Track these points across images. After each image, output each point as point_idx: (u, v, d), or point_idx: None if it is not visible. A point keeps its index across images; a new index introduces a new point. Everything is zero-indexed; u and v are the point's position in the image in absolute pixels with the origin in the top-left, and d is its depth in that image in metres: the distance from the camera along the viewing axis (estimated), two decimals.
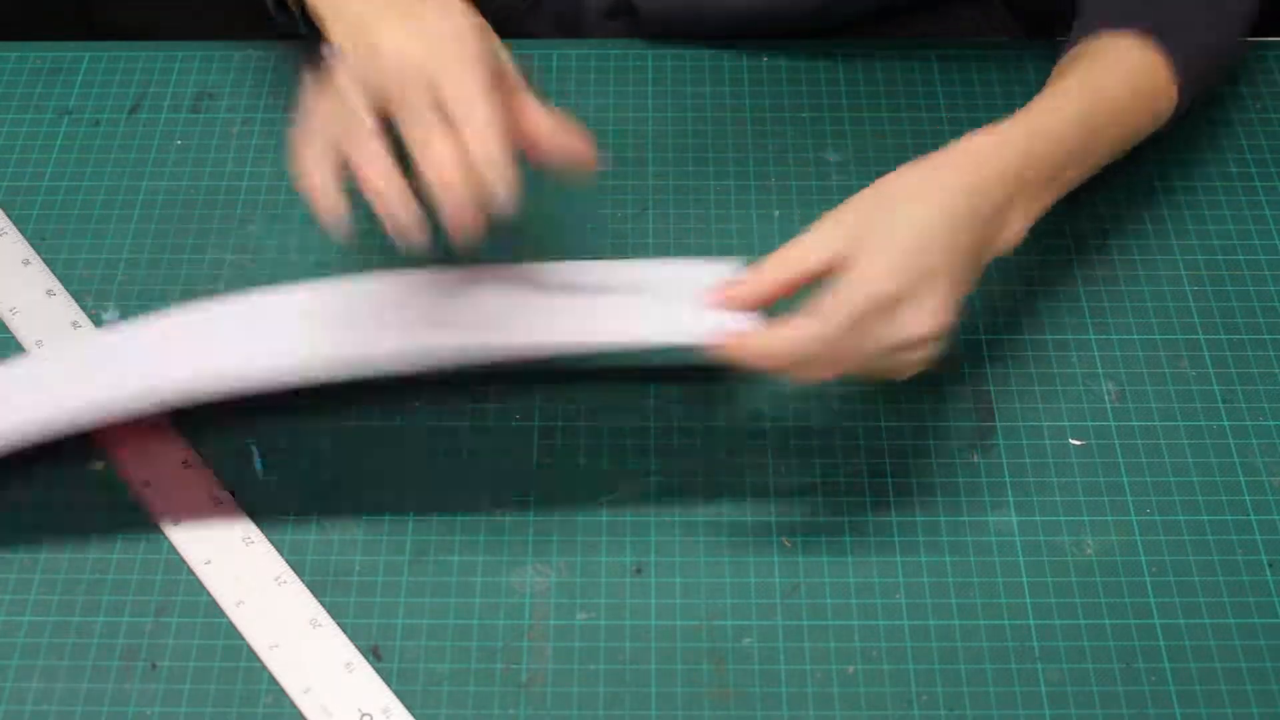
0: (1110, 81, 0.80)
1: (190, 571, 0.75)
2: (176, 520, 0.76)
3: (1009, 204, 0.74)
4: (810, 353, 0.70)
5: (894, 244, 0.71)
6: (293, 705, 0.71)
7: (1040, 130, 0.77)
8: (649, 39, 0.97)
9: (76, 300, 0.85)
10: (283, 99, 0.96)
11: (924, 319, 0.71)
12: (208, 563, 0.75)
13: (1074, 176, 0.79)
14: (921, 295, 0.70)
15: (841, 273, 0.71)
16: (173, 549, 0.76)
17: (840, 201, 0.89)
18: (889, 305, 0.70)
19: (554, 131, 0.72)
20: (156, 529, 0.76)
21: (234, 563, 0.75)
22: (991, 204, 0.73)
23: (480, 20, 0.71)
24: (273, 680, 0.72)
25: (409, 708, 0.71)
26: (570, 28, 1.00)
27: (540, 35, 0.98)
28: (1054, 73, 0.83)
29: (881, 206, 0.72)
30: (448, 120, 0.67)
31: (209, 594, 0.74)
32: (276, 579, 0.74)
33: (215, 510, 0.77)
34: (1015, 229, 0.75)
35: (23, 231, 0.89)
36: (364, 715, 0.71)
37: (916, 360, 0.72)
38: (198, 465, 0.78)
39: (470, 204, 0.66)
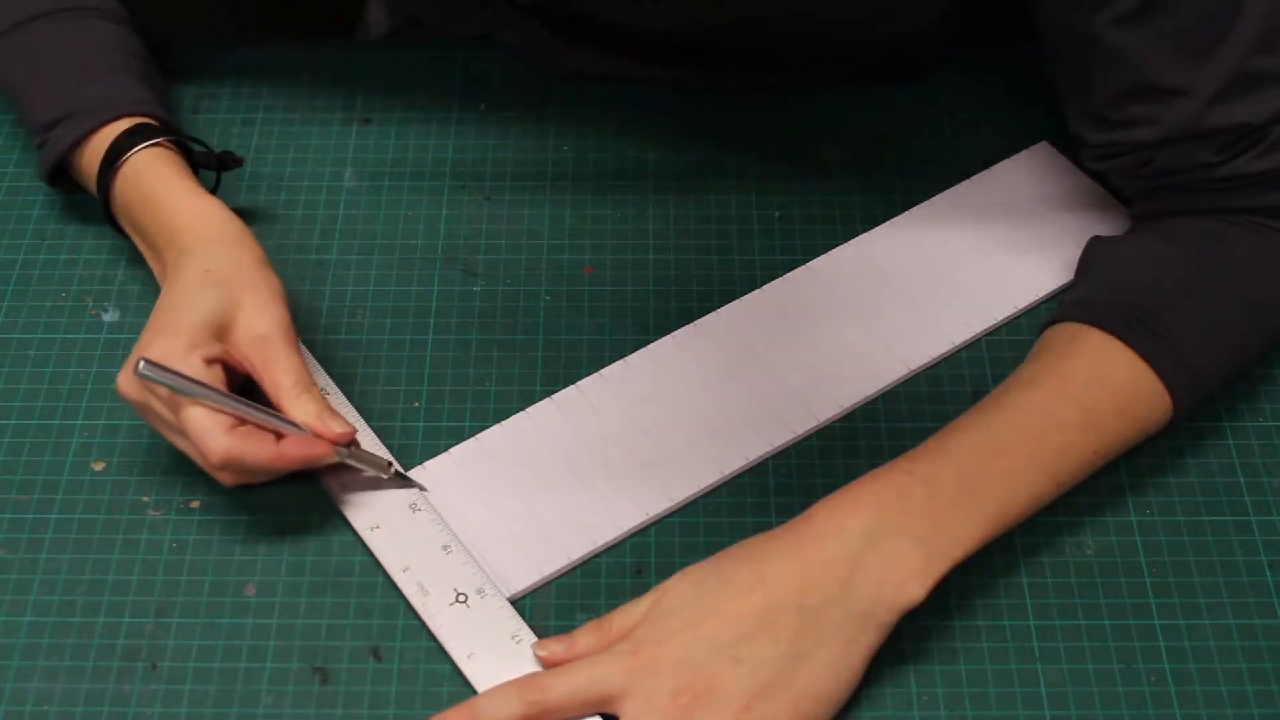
0: (1087, 393, 0.73)
1: (191, 570, 0.75)
2: None
3: (870, 554, 0.68)
4: None
5: (681, 661, 0.67)
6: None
7: (929, 465, 0.71)
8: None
9: (76, 300, 0.86)
10: (283, 99, 0.96)
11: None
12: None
13: (1006, 499, 0.71)
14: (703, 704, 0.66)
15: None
16: (173, 549, 0.76)
17: (840, 204, 0.90)
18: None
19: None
20: (158, 528, 0.76)
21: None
22: (832, 573, 0.68)
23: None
24: (362, 570, 0.75)
25: (409, 709, 0.71)
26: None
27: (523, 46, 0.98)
28: (1032, 351, 0.77)
29: (688, 608, 0.68)
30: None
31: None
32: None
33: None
34: (899, 580, 0.68)
35: (24, 232, 0.89)
36: (459, 594, 0.73)
37: None
38: None
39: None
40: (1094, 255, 0.81)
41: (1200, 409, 0.80)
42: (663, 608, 0.69)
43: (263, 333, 0.75)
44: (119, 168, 0.81)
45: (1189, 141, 0.76)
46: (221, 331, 0.75)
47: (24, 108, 0.87)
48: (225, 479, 0.74)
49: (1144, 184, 0.81)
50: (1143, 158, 0.78)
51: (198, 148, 0.85)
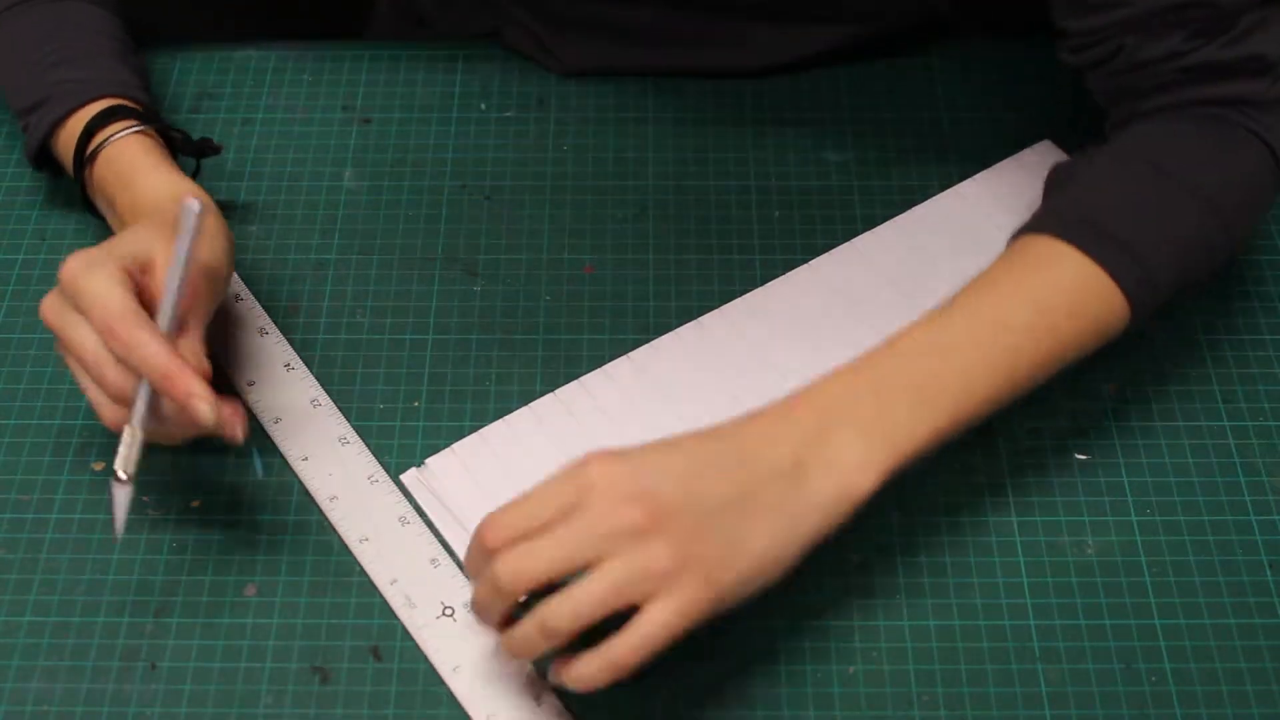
0: (1037, 295, 0.73)
1: (191, 570, 0.75)
2: None
3: (815, 439, 0.68)
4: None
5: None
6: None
7: (880, 361, 0.71)
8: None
9: None
10: (283, 99, 0.96)
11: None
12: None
13: (963, 398, 0.70)
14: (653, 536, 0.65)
15: None
16: (173, 549, 0.76)
17: (840, 204, 0.90)
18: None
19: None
20: (158, 528, 0.76)
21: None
22: (770, 450, 0.67)
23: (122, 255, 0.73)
24: (362, 571, 0.75)
25: (408, 708, 0.71)
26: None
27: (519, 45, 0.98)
28: (991, 267, 0.76)
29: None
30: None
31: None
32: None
33: None
34: (844, 469, 0.67)
35: (24, 232, 0.89)
36: (445, 607, 0.73)
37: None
38: None
39: (119, 379, 0.71)
40: (1052, 179, 0.82)
41: (1200, 408, 0.80)
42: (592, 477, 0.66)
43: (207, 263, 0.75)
44: (99, 150, 0.82)
45: (1162, 23, 0.77)
46: (142, 265, 0.74)
47: (6, 93, 0.88)
48: (111, 415, 0.73)
49: (1113, 81, 0.81)
50: (1114, 46, 0.79)
51: (174, 134, 0.86)
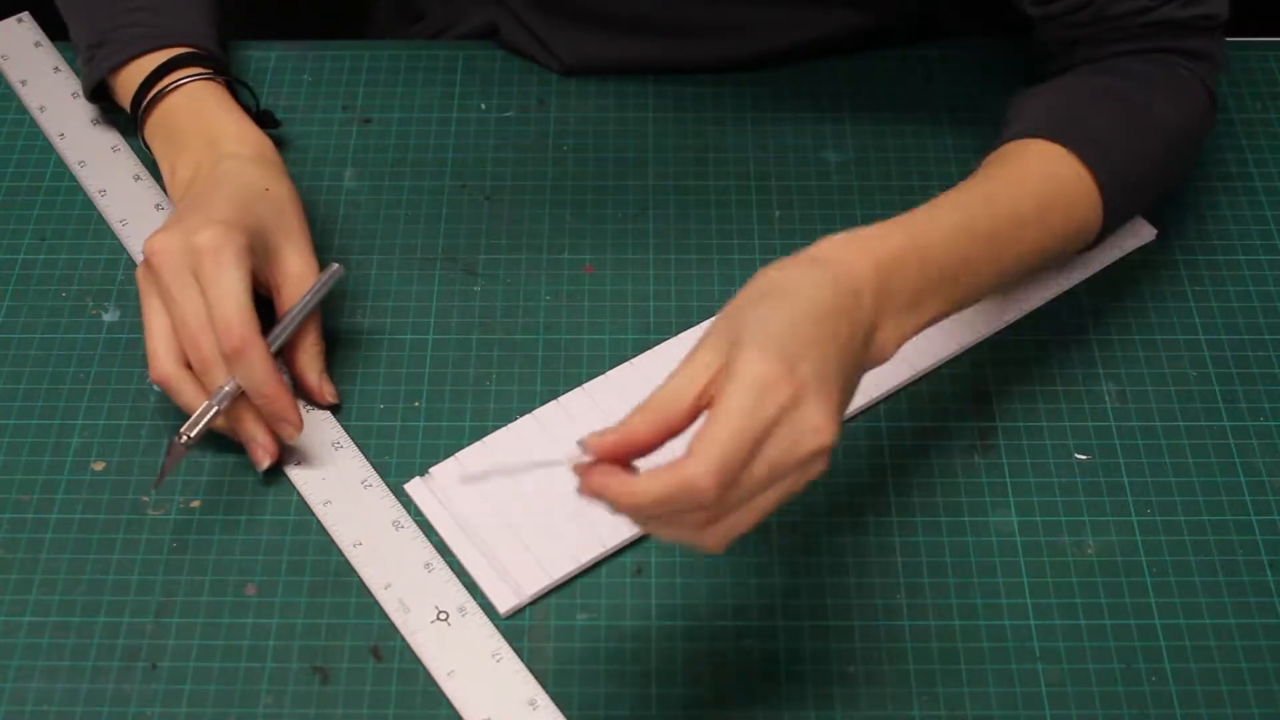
0: (1024, 187, 0.75)
1: (191, 570, 0.75)
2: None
3: (878, 307, 0.67)
4: (690, 495, 0.60)
5: (770, 341, 0.63)
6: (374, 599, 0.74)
7: (922, 238, 0.70)
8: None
9: (76, 300, 0.86)
10: (283, 99, 0.96)
11: (815, 427, 0.61)
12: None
13: (968, 285, 0.71)
14: (806, 399, 0.61)
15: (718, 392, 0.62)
16: (173, 549, 0.76)
17: (840, 204, 0.90)
18: (775, 413, 0.61)
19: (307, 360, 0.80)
20: (158, 528, 0.76)
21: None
22: (861, 305, 0.66)
23: (244, 226, 0.77)
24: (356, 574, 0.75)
25: (408, 708, 0.71)
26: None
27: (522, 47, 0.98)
28: (974, 173, 0.77)
29: (752, 310, 0.65)
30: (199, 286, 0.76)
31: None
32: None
33: None
34: (882, 341, 0.67)
35: (24, 232, 0.89)
36: (440, 612, 0.73)
37: (811, 477, 0.63)
38: None
39: (212, 359, 0.75)
40: (1019, 102, 0.83)
41: (1200, 408, 0.80)
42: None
43: (300, 273, 0.80)
44: (176, 86, 0.85)
45: None
46: (267, 252, 0.79)
47: (78, 26, 0.90)
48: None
49: (1073, 33, 0.84)
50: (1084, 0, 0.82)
51: (246, 96, 0.89)
